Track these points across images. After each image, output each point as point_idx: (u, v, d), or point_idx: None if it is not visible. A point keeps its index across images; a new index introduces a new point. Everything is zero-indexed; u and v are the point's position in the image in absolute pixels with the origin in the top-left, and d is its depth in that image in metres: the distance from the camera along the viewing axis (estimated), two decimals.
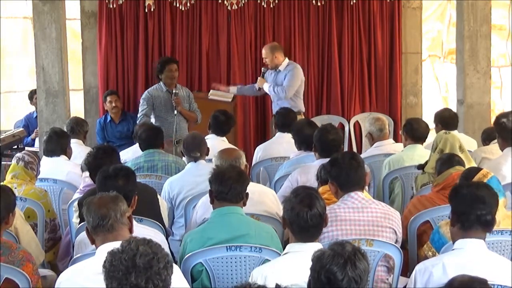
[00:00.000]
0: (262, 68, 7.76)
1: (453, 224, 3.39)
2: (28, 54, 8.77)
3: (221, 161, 4.68)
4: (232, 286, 3.65)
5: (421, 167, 5.21)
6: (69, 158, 5.90)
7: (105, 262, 2.64)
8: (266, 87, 7.63)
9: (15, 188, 4.97)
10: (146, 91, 7.65)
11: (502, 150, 5.50)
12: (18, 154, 5.22)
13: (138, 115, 7.54)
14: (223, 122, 6.47)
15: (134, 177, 4.04)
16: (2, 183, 5.07)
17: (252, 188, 4.39)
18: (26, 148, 7.39)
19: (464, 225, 3.33)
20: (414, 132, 5.81)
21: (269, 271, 3.28)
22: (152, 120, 7.45)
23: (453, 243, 3.38)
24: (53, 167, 5.65)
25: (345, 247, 2.71)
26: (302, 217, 3.33)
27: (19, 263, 3.52)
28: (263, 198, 4.60)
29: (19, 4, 9.04)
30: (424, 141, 5.90)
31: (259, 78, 7.74)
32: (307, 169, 5.13)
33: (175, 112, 7.34)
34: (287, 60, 7.68)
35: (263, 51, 7.67)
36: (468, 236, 3.32)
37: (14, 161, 5.16)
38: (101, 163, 4.40)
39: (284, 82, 7.52)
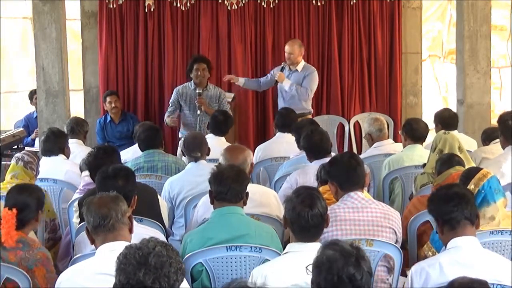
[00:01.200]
0: (282, 63, 7.74)
1: (441, 231, 3.39)
2: (28, 54, 8.76)
3: (226, 162, 4.66)
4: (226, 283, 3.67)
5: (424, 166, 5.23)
6: (68, 157, 5.90)
7: (120, 254, 2.64)
8: (287, 85, 7.62)
9: None
10: (175, 89, 7.67)
11: (503, 148, 5.52)
12: (18, 154, 5.22)
13: (165, 115, 7.59)
14: (221, 122, 6.48)
15: (133, 177, 4.04)
16: (2, 183, 5.09)
17: (254, 189, 4.40)
18: (26, 148, 7.38)
19: (451, 224, 3.34)
20: (413, 132, 5.81)
21: (269, 270, 3.28)
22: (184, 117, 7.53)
23: (445, 246, 3.39)
24: (51, 167, 5.66)
25: (344, 245, 2.72)
26: (303, 217, 3.33)
27: (34, 263, 3.54)
28: (265, 200, 4.59)
29: (19, 4, 9.03)
30: (424, 141, 5.90)
31: (278, 72, 7.69)
32: (306, 169, 5.15)
33: (198, 112, 7.36)
34: (303, 61, 7.74)
35: (290, 47, 7.65)
36: (459, 235, 3.32)
37: (13, 161, 5.16)
38: (102, 163, 4.40)
39: (306, 84, 7.60)
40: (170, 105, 7.57)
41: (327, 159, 5.11)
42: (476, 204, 3.52)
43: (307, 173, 5.05)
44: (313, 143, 5.25)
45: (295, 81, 7.63)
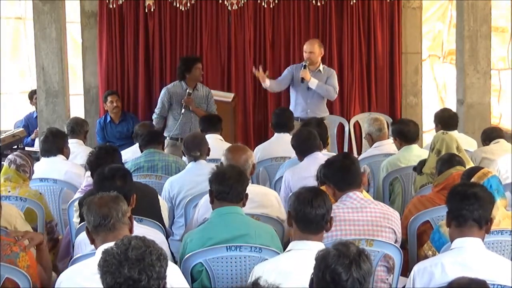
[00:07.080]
0: (305, 61, 7.47)
1: (448, 225, 3.41)
2: (19, 55, 8.68)
3: (227, 162, 4.65)
4: (239, 286, 3.67)
5: (415, 169, 5.22)
6: (67, 157, 5.88)
7: (99, 261, 2.66)
8: (315, 83, 7.32)
9: (9, 190, 4.94)
10: (165, 88, 7.56)
11: None
12: (10, 156, 5.10)
13: (153, 116, 7.52)
14: (210, 118, 6.59)
15: (130, 177, 4.05)
16: None
17: (255, 190, 4.40)
18: (26, 148, 7.37)
19: (458, 221, 3.34)
20: (406, 134, 5.78)
21: (271, 267, 3.28)
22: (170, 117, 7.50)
23: (451, 242, 3.39)
24: (49, 167, 5.63)
25: (350, 247, 2.71)
26: (307, 204, 3.36)
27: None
28: (266, 201, 4.59)
29: (11, 4, 8.94)
30: (418, 139, 5.90)
31: (302, 70, 7.39)
32: (296, 168, 5.25)
33: (183, 110, 7.32)
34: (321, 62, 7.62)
35: (310, 45, 7.44)
36: (465, 235, 3.32)
37: (6, 163, 5.06)
38: (103, 163, 4.40)
39: (332, 84, 7.43)
40: (160, 105, 7.46)
41: (317, 155, 5.17)
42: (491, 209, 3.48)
43: (298, 172, 5.14)
44: (299, 142, 5.35)
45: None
